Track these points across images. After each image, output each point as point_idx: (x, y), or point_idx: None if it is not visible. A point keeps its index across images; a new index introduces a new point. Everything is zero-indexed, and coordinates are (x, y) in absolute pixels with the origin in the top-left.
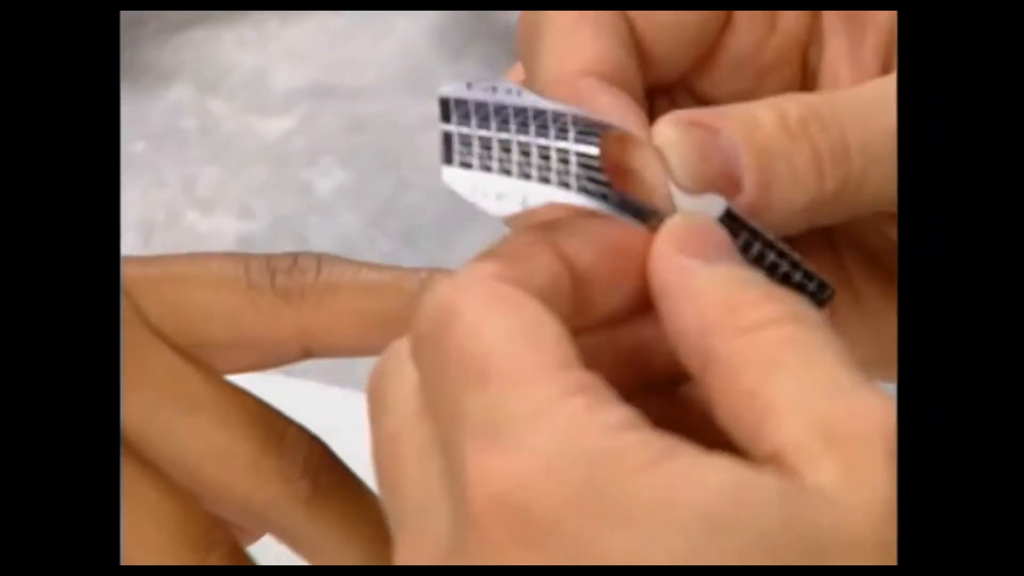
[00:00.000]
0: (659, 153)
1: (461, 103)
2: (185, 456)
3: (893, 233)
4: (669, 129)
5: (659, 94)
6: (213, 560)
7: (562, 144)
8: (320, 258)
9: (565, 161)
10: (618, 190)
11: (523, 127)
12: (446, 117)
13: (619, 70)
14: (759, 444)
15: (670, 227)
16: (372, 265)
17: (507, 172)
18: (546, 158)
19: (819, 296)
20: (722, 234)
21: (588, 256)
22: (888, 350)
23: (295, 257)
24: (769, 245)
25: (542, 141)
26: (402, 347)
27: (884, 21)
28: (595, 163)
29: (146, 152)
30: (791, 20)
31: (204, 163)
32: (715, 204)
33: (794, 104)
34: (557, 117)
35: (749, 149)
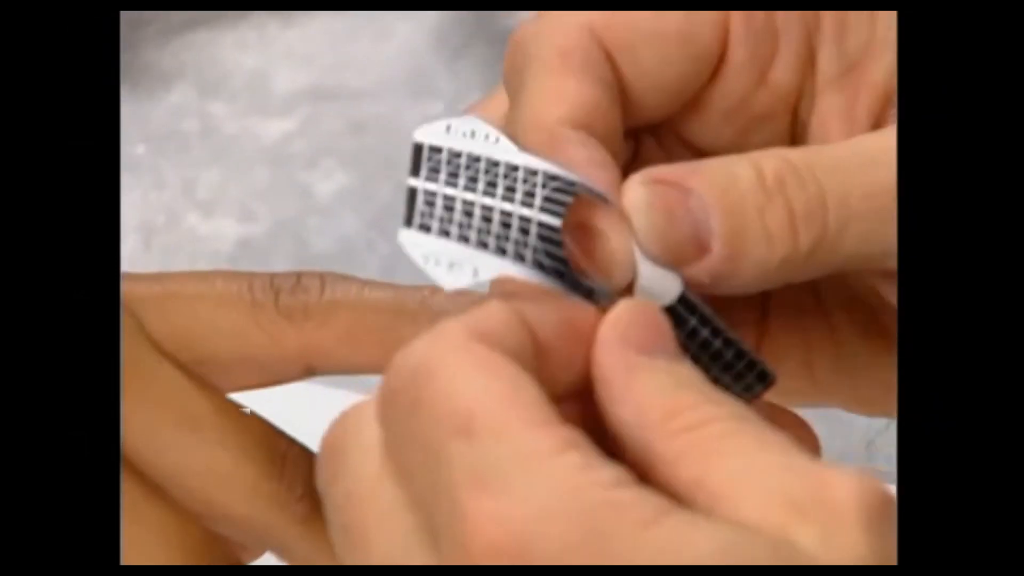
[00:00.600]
0: (626, 218)
1: (435, 151)
2: (186, 475)
3: (880, 287)
4: (639, 189)
5: (646, 134)
6: None
7: (526, 212)
8: (323, 276)
9: (526, 231)
10: (574, 268)
11: (491, 186)
12: (416, 169)
13: (600, 116)
14: None
15: (615, 315)
16: (375, 283)
17: (465, 239)
18: (507, 225)
19: (758, 385)
20: (666, 326)
21: (546, 332)
22: (864, 403)
23: (299, 275)
24: (716, 332)
25: (506, 206)
26: (360, 410)
27: (880, 81)
28: (556, 236)
29: (147, 154)
30: (783, 74)
31: (205, 165)
32: (673, 284)
33: (772, 159)
34: (528, 176)
35: (720, 212)
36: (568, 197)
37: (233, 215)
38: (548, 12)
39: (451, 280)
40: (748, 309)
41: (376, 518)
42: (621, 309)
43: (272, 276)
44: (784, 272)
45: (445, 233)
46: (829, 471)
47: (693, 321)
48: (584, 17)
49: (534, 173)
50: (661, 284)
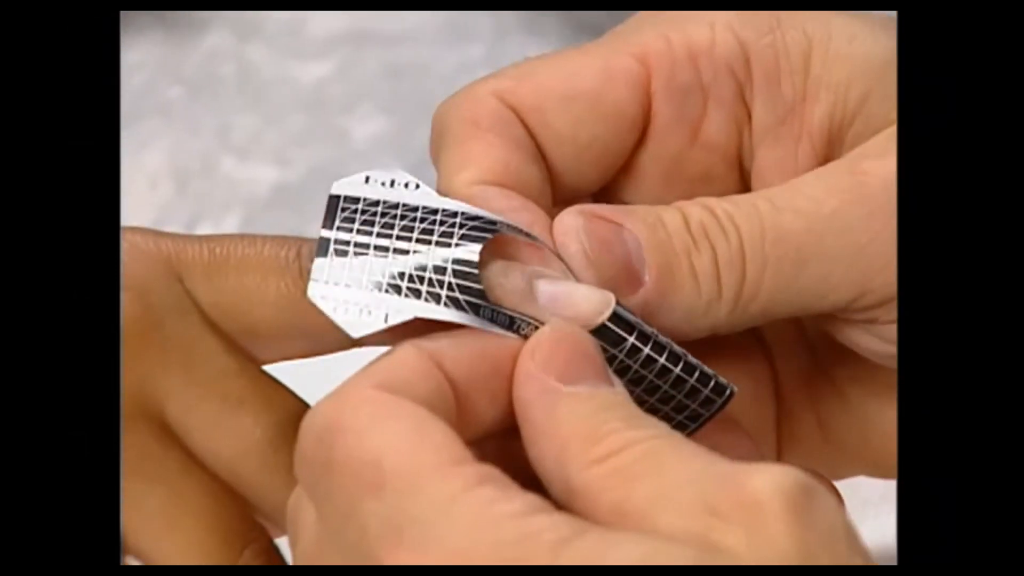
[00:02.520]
0: (551, 248)
1: (351, 201)
2: (225, 452)
3: (875, 358)
4: (572, 218)
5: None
6: (246, 556)
7: (441, 252)
8: None
9: (442, 270)
10: (493, 300)
11: (407, 231)
12: (329, 222)
13: (514, 173)
14: None
15: (534, 343)
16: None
17: (377, 286)
18: (422, 267)
19: (716, 399)
20: (591, 349)
21: (464, 370)
22: (876, 452)
23: None
24: (660, 348)
25: (421, 248)
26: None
27: (819, 124)
28: (472, 269)
29: (181, 99)
30: (716, 131)
31: (240, 110)
32: (603, 303)
33: (696, 208)
34: (447, 218)
35: (651, 246)
36: (487, 234)
37: (269, 160)
38: (465, 86)
39: (361, 327)
40: (763, 383)
41: None
42: (540, 336)
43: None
44: (710, 320)
45: (356, 283)
46: (746, 472)
47: (631, 339)
48: (493, 83)
49: (454, 215)
50: (588, 306)
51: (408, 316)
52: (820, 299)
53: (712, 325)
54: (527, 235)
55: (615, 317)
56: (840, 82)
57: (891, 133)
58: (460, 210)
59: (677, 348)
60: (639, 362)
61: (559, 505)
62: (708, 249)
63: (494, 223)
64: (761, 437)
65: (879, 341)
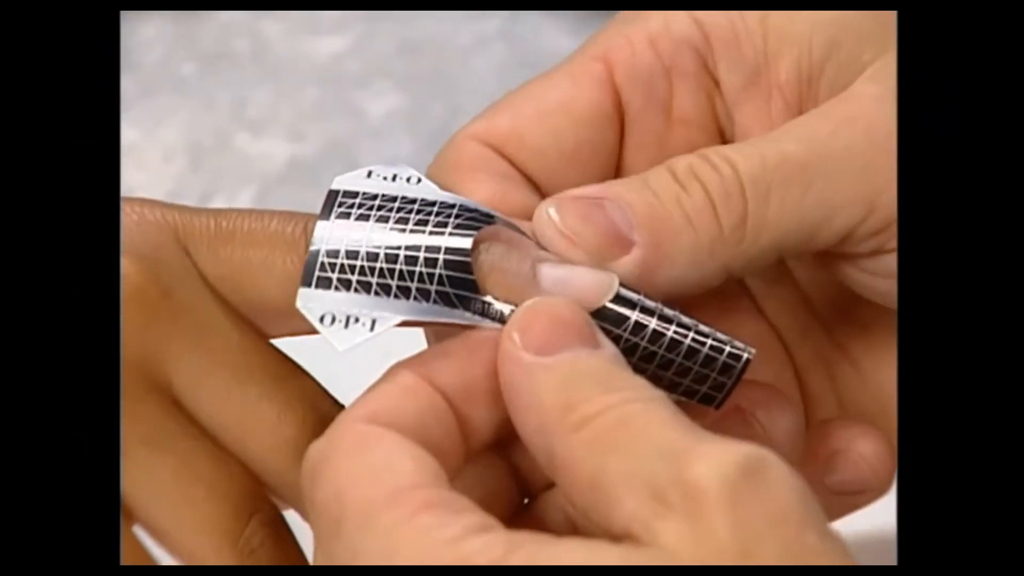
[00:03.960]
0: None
1: (350, 196)
2: (233, 426)
3: (879, 299)
4: (549, 203)
5: None
6: (253, 525)
7: (435, 241)
8: None
9: (433, 263)
10: (483, 292)
11: (402, 222)
12: (326, 215)
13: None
14: (611, 528)
15: (513, 320)
16: None
17: (366, 288)
18: (413, 261)
19: (734, 364)
20: (568, 312)
21: (456, 379)
22: (895, 421)
23: None
24: (667, 320)
25: (415, 240)
26: None
27: (787, 78)
28: (465, 258)
29: (195, 74)
30: (688, 105)
31: (255, 85)
32: (606, 285)
33: (684, 157)
34: (444, 209)
35: (636, 205)
36: (483, 224)
37: (283, 136)
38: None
39: (346, 338)
40: (781, 368)
41: None
42: (516, 315)
43: None
44: (715, 261)
45: (346, 285)
46: (694, 455)
47: (635, 315)
48: (469, 129)
49: (451, 207)
50: (589, 288)
51: (395, 322)
52: (828, 222)
53: (723, 266)
54: (522, 232)
55: (617, 297)
56: (802, 33)
57: (873, 73)
58: (458, 203)
59: (686, 318)
60: (646, 338)
61: (551, 481)
62: (698, 188)
63: (491, 216)
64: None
65: (885, 280)
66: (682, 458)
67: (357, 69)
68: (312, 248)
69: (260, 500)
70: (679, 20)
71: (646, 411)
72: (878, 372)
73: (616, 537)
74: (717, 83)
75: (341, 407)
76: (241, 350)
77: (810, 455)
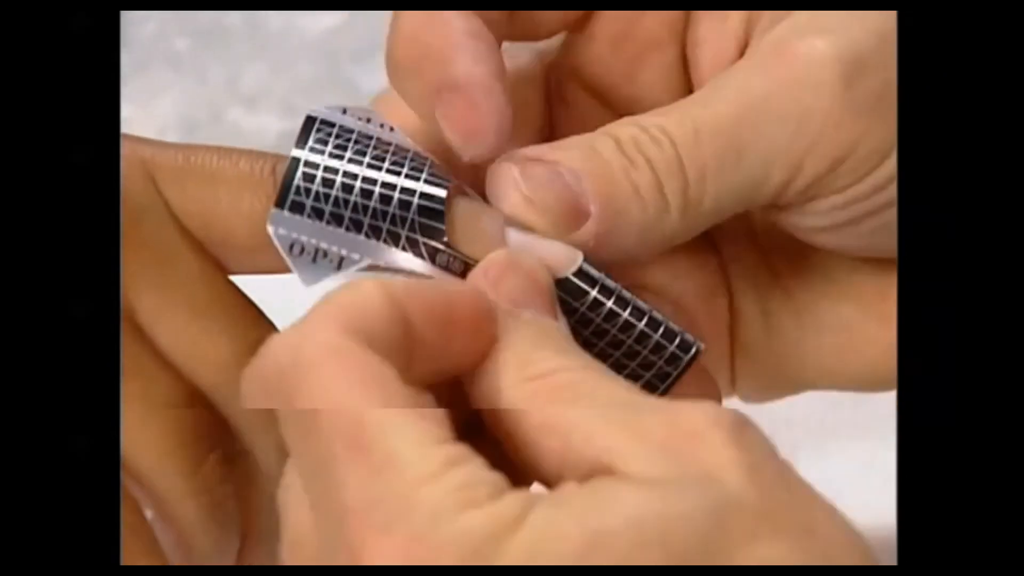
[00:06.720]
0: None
1: (327, 124)
2: (189, 361)
3: (810, 237)
4: (506, 166)
5: (550, 78)
6: (211, 461)
7: (410, 184)
8: None
9: (407, 205)
10: (452, 246)
11: (378, 160)
12: (302, 142)
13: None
14: (569, 468)
15: (488, 262)
16: None
17: (338, 220)
18: (387, 200)
19: (682, 355)
20: (542, 279)
21: (421, 316)
22: (824, 357)
23: None
24: (623, 303)
25: (390, 179)
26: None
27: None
28: (438, 207)
29: (189, 49)
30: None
31: (248, 60)
32: (568, 258)
33: (625, 127)
34: (417, 157)
35: (590, 175)
36: (450, 181)
37: (277, 111)
38: None
39: (312, 274)
40: (714, 279)
41: (293, 517)
42: (496, 256)
43: None
44: (665, 229)
45: (318, 213)
46: (674, 406)
47: (593, 292)
48: None
49: (424, 159)
50: (555, 258)
51: (361, 265)
52: (761, 186)
53: (669, 237)
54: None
55: (579, 271)
56: None
57: (812, 13)
58: (429, 159)
59: (642, 304)
60: (602, 316)
61: (485, 423)
62: (644, 164)
63: (450, 181)
64: (714, 337)
65: (815, 220)
66: (666, 408)
67: (351, 44)
68: (288, 171)
69: (222, 437)
70: None
71: (603, 375)
72: (814, 304)
73: (579, 478)
74: None
75: None
76: (201, 284)
77: None
